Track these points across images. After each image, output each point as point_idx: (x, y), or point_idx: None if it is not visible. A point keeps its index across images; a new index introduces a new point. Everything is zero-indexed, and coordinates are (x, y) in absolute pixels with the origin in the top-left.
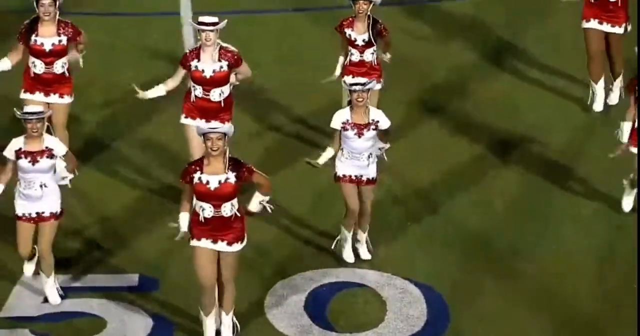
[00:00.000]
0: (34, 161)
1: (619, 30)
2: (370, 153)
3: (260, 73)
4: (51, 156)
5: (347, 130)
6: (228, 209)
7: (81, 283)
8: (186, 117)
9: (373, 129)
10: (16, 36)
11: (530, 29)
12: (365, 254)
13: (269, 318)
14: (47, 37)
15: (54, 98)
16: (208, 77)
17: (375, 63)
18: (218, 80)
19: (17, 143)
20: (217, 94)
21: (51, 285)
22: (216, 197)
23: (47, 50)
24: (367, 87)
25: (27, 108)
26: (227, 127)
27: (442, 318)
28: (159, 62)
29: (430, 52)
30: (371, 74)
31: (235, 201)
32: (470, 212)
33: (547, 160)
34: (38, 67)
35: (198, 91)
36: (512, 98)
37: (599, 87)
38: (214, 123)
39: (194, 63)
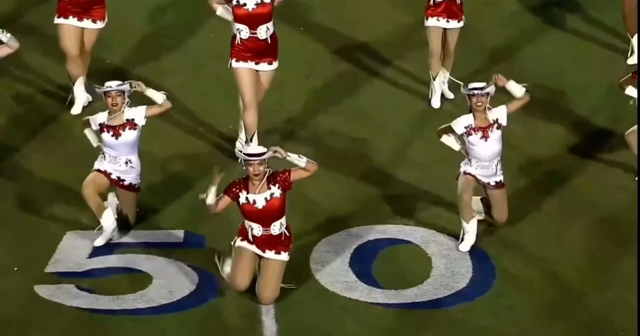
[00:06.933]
0: (117, 135)
1: None
2: (498, 161)
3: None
4: (133, 127)
5: (471, 134)
6: (277, 228)
7: (127, 239)
8: (237, 61)
9: (497, 129)
10: None
11: None
12: None
13: (315, 274)
14: None
15: (87, 23)
16: (250, 10)
17: (459, 1)
18: (262, 16)
19: (101, 117)
20: (263, 31)
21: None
22: (266, 216)
23: None
24: (486, 91)
25: (108, 83)
26: (268, 155)
27: (487, 275)
28: None
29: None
30: (454, 11)
31: (284, 220)
32: (517, 169)
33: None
34: None
35: (244, 33)
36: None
37: (635, 40)
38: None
39: None
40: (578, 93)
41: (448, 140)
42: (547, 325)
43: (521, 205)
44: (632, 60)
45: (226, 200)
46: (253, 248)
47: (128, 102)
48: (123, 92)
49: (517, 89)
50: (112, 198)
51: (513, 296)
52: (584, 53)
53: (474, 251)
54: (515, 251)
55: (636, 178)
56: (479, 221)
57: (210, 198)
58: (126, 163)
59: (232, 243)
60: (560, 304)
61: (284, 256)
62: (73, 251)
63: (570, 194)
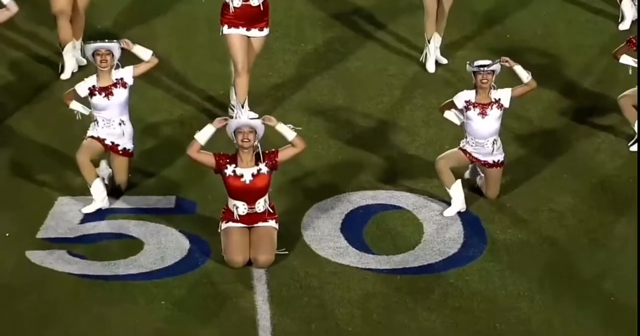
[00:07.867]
0: (108, 95)
1: None
2: (495, 140)
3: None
4: (124, 86)
5: (469, 109)
6: (261, 205)
7: (118, 205)
8: (229, 27)
9: (497, 108)
10: None
11: None
12: None
13: (306, 240)
14: None
15: None
16: None
17: None
18: None
19: (90, 81)
20: None
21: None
22: (251, 192)
23: None
24: (492, 68)
25: (97, 44)
26: (259, 123)
27: (479, 240)
28: None
29: None
30: None
31: (267, 197)
32: (507, 132)
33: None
34: None
35: (236, 1)
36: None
37: (625, 4)
38: (254, 32)
39: None
40: (569, 57)
41: (450, 115)
42: (538, 290)
43: (512, 169)
44: (624, 26)
45: (210, 158)
46: (239, 224)
47: (119, 64)
48: (112, 51)
49: (523, 74)
50: (104, 165)
51: (504, 261)
52: (575, 16)
53: (465, 216)
54: (506, 216)
55: (629, 144)
56: (471, 189)
57: (202, 135)
58: (120, 124)
59: (219, 230)
60: (552, 269)
61: (272, 223)
62: (65, 216)
63: (562, 158)
